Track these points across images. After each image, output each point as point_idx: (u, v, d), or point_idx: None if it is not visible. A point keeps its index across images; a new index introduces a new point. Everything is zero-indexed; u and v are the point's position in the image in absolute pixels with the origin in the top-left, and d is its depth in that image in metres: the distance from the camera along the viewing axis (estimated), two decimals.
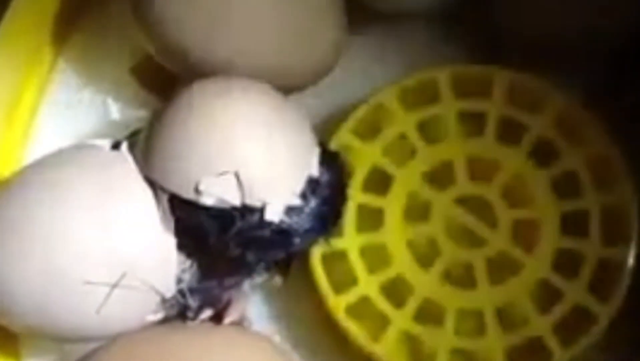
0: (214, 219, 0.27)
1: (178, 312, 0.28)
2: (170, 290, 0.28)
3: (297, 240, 0.28)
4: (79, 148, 0.29)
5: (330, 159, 0.29)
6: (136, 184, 0.28)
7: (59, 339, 0.29)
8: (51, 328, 0.28)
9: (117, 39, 0.34)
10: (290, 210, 0.28)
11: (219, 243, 0.27)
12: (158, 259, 0.28)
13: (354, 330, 0.29)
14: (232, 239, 0.27)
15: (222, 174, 0.27)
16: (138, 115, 0.33)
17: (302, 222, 0.28)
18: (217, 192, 0.27)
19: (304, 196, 0.28)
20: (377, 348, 0.29)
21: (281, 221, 0.27)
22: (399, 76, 0.31)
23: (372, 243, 0.30)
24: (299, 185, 0.28)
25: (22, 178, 0.29)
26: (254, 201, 0.27)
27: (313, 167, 0.28)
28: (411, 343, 0.29)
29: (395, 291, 0.29)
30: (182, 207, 0.27)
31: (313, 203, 0.28)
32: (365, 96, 0.31)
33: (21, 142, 0.34)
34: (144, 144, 0.28)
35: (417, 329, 0.29)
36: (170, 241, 0.28)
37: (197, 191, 0.27)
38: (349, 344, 0.29)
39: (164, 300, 0.28)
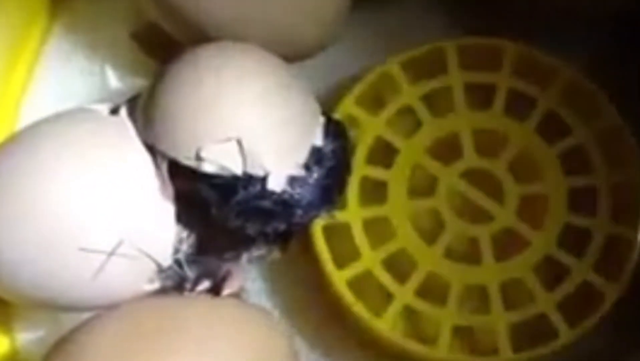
0: (215, 188, 0.26)
1: (175, 283, 0.28)
2: (167, 260, 0.27)
3: (299, 212, 0.27)
4: (76, 112, 0.28)
5: (334, 130, 0.28)
6: (135, 149, 0.27)
7: (53, 308, 0.28)
8: (45, 296, 0.27)
9: (115, 3, 0.33)
10: (293, 180, 0.27)
11: (219, 213, 0.27)
12: (156, 228, 0.27)
13: (356, 305, 0.28)
14: (233, 209, 0.27)
15: (224, 141, 0.26)
16: (137, 82, 0.32)
17: (305, 193, 0.27)
18: (219, 159, 0.26)
19: (307, 166, 0.27)
20: (379, 324, 0.28)
21: (283, 192, 0.27)
22: (404, 48, 0.30)
23: (376, 216, 0.29)
24: (303, 155, 0.27)
25: (15, 143, 0.28)
26: (256, 170, 0.26)
27: (317, 138, 0.28)
28: (413, 318, 0.29)
29: (399, 266, 0.29)
30: (182, 174, 0.27)
31: (317, 174, 0.27)
32: (370, 67, 0.30)
33: (17, 108, 0.33)
34: (144, 109, 0.27)
35: (420, 305, 0.28)
36: (169, 209, 0.27)
37: (198, 157, 0.26)
38: (349, 319, 0.29)
39: (160, 270, 0.27)
